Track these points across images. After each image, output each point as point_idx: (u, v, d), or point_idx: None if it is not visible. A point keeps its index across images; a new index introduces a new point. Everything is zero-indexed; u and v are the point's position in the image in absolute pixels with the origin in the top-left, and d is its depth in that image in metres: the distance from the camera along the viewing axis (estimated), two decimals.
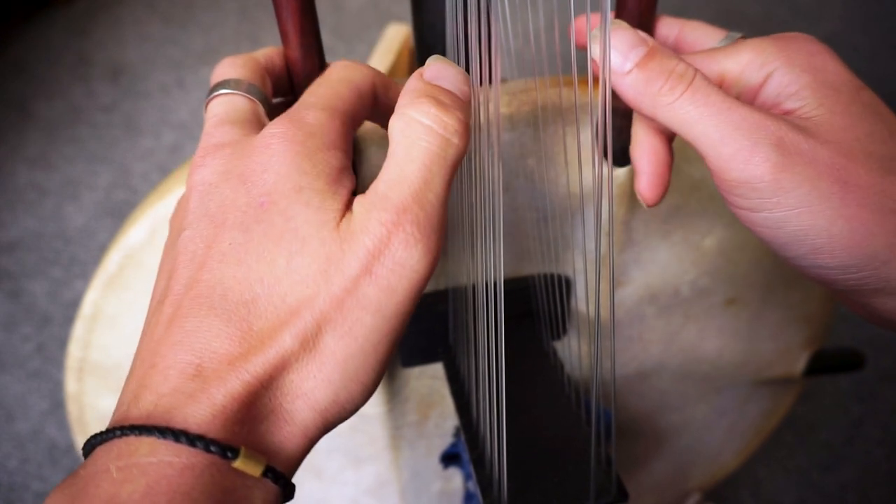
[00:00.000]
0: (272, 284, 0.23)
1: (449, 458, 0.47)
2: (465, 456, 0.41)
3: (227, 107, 0.28)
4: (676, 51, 0.31)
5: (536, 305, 0.42)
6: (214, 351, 0.23)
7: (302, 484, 0.49)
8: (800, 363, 0.53)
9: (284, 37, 0.30)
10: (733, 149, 0.25)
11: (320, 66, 0.32)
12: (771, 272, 0.47)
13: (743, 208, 0.27)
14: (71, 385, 0.43)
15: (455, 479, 0.52)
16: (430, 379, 0.45)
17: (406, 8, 0.37)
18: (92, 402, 0.44)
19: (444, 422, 0.48)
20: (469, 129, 0.26)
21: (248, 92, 0.29)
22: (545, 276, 0.40)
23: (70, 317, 0.92)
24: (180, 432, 0.21)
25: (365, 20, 1.35)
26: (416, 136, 0.24)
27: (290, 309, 0.23)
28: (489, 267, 0.30)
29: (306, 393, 0.23)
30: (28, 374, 0.87)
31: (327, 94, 0.27)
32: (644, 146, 0.30)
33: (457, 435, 0.47)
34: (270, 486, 0.23)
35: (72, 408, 0.45)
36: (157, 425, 0.22)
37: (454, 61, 0.30)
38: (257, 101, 0.29)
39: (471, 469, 0.37)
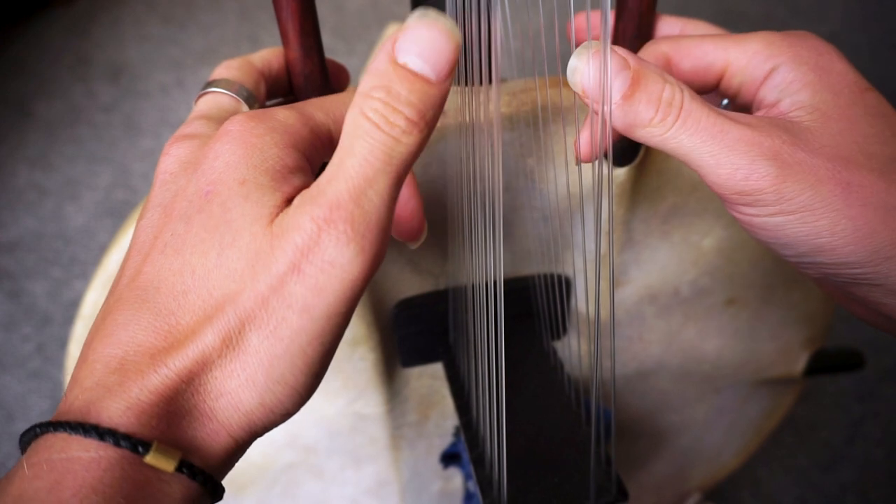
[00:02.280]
0: (202, 277, 0.23)
1: (449, 458, 0.47)
2: (465, 456, 0.41)
3: (209, 104, 0.29)
4: (675, 56, 0.30)
5: (536, 305, 0.42)
6: (139, 344, 0.22)
7: (302, 484, 0.49)
8: (800, 363, 0.53)
9: (284, 37, 0.30)
10: (729, 170, 0.26)
11: (321, 66, 0.32)
12: (771, 272, 0.47)
13: (745, 215, 0.27)
14: None
15: (455, 479, 0.52)
16: (430, 379, 0.45)
17: (406, 8, 0.37)
18: None
19: (444, 422, 0.48)
20: (428, 120, 0.23)
21: (236, 92, 0.29)
22: (545, 275, 0.40)
23: (70, 317, 0.92)
24: (91, 427, 0.21)
25: (365, 20, 1.35)
26: (362, 130, 0.22)
27: (216, 304, 0.22)
28: (489, 267, 0.30)
29: (230, 392, 0.23)
30: (28, 374, 0.87)
31: (316, 103, 0.27)
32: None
33: (457, 435, 0.47)
34: (188, 482, 0.22)
35: None
36: (70, 421, 0.21)
37: None
38: (242, 101, 0.29)
39: (471, 469, 0.37)
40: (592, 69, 0.26)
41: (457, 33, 0.23)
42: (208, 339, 0.22)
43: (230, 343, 0.22)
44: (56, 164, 1.10)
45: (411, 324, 0.41)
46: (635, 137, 0.27)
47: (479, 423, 0.37)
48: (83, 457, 0.21)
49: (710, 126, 0.26)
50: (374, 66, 0.23)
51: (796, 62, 0.28)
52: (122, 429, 0.21)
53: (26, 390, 0.86)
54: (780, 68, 0.28)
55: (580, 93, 0.26)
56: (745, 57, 0.28)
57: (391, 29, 0.62)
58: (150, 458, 0.21)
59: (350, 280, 0.22)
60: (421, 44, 0.22)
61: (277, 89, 0.32)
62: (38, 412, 0.84)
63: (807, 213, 0.26)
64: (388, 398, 0.45)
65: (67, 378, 0.43)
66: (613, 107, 0.26)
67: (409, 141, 0.23)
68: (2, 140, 1.13)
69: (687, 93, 0.26)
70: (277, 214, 0.23)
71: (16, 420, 0.84)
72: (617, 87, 0.26)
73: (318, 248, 0.22)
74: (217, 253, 0.23)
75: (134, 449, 0.21)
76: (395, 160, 0.22)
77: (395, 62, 0.22)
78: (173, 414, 0.22)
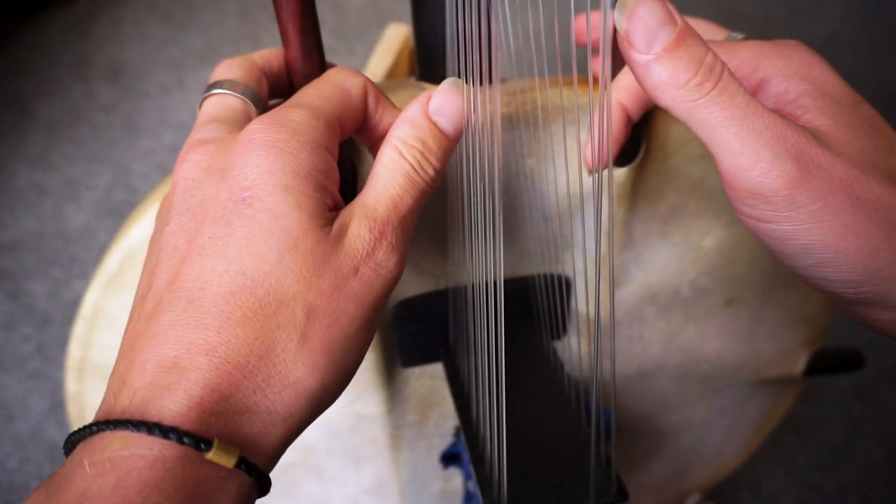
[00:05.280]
0: (256, 277, 0.24)
1: (449, 458, 0.47)
2: (465, 456, 0.41)
3: (217, 106, 0.29)
4: None
5: (536, 305, 0.42)
6: (191, 342, 0.23)
7: (302, 484, 0.49)
8: (800, 363, 0.53)
9: (284, 37, 0.30)
10: (752, 159, 0.24)
11: (321, 66, 0.32)
12: (770, 272, 0.47)
13: (751, 217, 0.26)
14: (71, 385, 0.43)
15: (455, 479, 0.52)
16: (430, 379, 0.45)
17: (406, 8, 0.37)
18: (92, 402, 0.44)
19: (444, 422, 0.48)
20: (444, 168, 0.29)
21: (241, 93, 0.29)
22: (545, 276, 0.40)
23: (70, 317, 0.92)
24: (153, 425, 0.21)
25: (365, 20, 1.35)
26: (402, 169, 0.27)
27: (278, 300, 0.24)
28: (489, 267, 0.30)
29: (294, 382, 0.24)
30: (28, 374, 0.87)
31: (315, 94, 0.28)
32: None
33: (457, 435, 0.47)
34: (244, 478, 0.23)
35: (72, 408, 0.45)
36: (131, 419, 0.22)
37: (454, 61, 0.30)
38: (249, 102, 0.29)
39: (471, 469, 0.37)
40: (646, 14, 0.24)
41: (464, 105, 0.29)
42: (272, 332, 0.24)
43: (295, 335, 0.24)
44: (56, 164, 1.10)
45: (411, 324, 0.41)
46: (662, 100, 0.25)
47: (479, 424, 0.37)
48: (146, 454, 0.21)
49: (745, 105, 0.24)
50: (410, 116, 0.28)
51: (786, 74, 0.27)
52: (184, 426, 0.22)
53: (26, 390, 0.86)
54: (770, 81, 0.27)
55: (622, 32, 0.25)
56: (731, 64, 0.28)
57: (391, 29, 0.62)
58: (212, 456, 0.22)
59: (391, 279, 0.27)
60: (449, 107, 0.28)
61: (278, 89, 0.32)
62: (39, 412, 0.84)
63: (815, 224, 0.25)
64: (388, 398, 0.45)
65: (68, 378, 0.43)
66: (651, 58, 0.25)
67: (433, 184, 0.28)
68: (2, 140, 1.13)
69: (727, 67, 0.25)
70: (327, 222, 0.26)
71: (16, 420, 0.84)
72: (661, 38, 0.24)
73: (373, 254, 0.26)
74: (276, 257, 0.24)
75: (196, 446, 0.22)
76: (423, 195, 0.28)
77: (429, 118, 0.28)
78: (232, 409, 0.23)
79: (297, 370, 0.24)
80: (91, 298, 0.39)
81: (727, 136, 0.25)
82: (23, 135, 1.14)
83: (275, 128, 0.26)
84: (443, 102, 0.28)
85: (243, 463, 0.23)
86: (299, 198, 0.25)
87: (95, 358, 0.42)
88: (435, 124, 0.28)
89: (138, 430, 0.21)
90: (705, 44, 0.25)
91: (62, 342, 0.90)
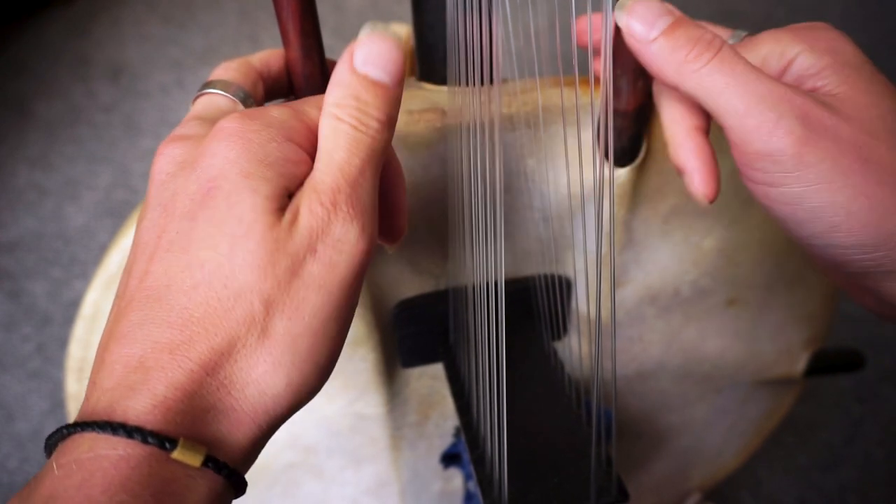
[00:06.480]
0: (212, 271, 0.23)
1: (449, 459, 0.47)
2: (466, 456, 0.41)
3: (206, 105, 0.29)
4: None
5: (537, 306, 0.42)
6: (156, 341, 0.23)
7: (302, 484, 0.49)
8: (800, 363, 0.53)
9: (285, 37, 0.30)
10: (758, 121, 0.26)
11: (321, 66, 0.32)
12: (771, 272, 0.47)
13: (762, 183, 0.27)
14: (71, 385, 0.43)
15: (455, 480, 0.52)
16: (430, 379, 0.45)
17: (406, 8, 0.37)
18: None
19: (445, 422, 0.48)
20: (393, 118, 0.26)
21: (233, 94, 0.29)
22: (545, 276, 0.40)
23: (70, 317, 0.91)
24: (118, 425, 0.21)
25: (365, 20, 1.35)
26: (343, 131, 0.25)
27: (233, 294, 0.23)
28: (490, 267, 0.30)
29: (256, 379, 0.23)
30: (28, 374, 0.87)
31: (309, 102, 0.28)
32: (687, 146, 0.31)
33: (457, 435, 0.47)
34: (214, 477, 0.23)
35: (72, 408, 0.45)
36: (97, 420, 0.22)
37: (454, 62, 0.30)
38: (238, 102, 0.29)
39: (471, 469, 0.37)
40: (644, 10, 0.27)
41: (402, 41, 0.26)
42: (231, 328, 0.23)
43: (254, 329, 0.23)
44: (56, 164, 1.10)
45: (412, 324, 0.41)
46: (668, 76, 0.27)
47: (479, 424, 0.37)
48: (111, 455, 0.21)
49: (746, 71, 0.26)
50: (337, 77, 0.26)
51: (811, 50, 0.28)
52: (148, 426, 0.22)
53: (26, 390, 0.86)
54: (796, 59, 0.28)
55: (623, 26, 0.27)
56: (757, 60, 0.29)
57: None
58: (177, 454, 0.22)
59: (357, 254, 0.25)
60: (375, 55, 0.26)
61: (277, 90, 0.32)
62: (38, 412, 0.84)
63: (824, 185, 0.26)
64: (389, 399, 0.45)
65: (68, 378, 0.43)
66: (651, 44, 0.27)
67: (382, 137, 0.26)
68: (2, 140, 1.13)
69: (726, 42, 0.27)
70: (283, 206, 0.24)
71: (16, 420, 0.84)
72: (659, 24, 0.27)
73: (329, 229, 0.24)
74: (229, 245, 0.23)
75: (161, 445, 0.22)
76: (375, 153, 0.26)
77: (356, 73, 0.26)
78: (197, 408, 0.23)
79: (258, 367, 0.23)
80: (91, 298, 0.39)
81: (732, 100, 0.26)
82: (23, 135, 1.14)
83: (247, 119, 0.25)
84: (367, 52, 0.26)
85: (211, 461, 0.22)
86: (257, 181, 0.24)
87: None
88: (365, 77, 0.26)
89: (104, 431, 0.22)
90: (704, 27, 0.27)
91: (62, 342, 0.90)
